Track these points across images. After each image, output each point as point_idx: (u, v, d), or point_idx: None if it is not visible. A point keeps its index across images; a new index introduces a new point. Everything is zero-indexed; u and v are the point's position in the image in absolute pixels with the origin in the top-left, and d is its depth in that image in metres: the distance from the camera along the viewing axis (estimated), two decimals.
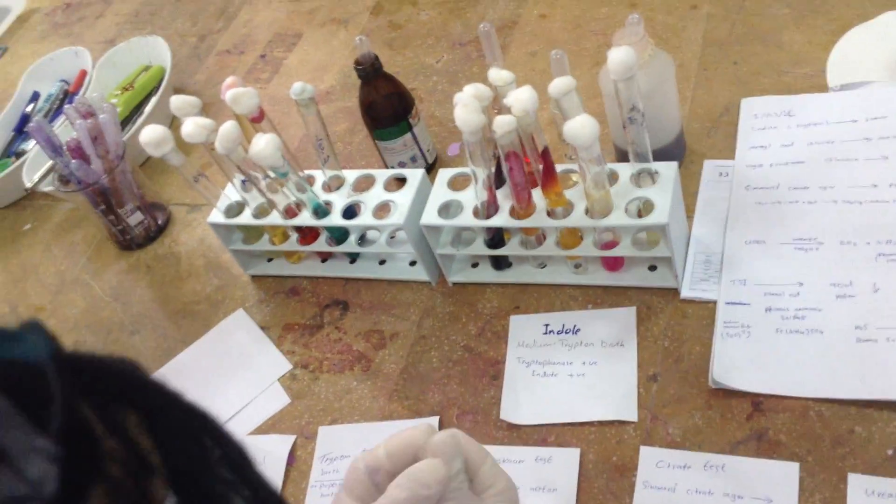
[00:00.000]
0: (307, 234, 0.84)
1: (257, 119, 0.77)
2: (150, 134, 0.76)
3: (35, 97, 1.24)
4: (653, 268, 0.74)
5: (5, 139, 1.20)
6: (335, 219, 0.79)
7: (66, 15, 1.48)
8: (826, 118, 0.78)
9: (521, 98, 0.64)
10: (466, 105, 0.65)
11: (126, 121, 1.14)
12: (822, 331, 0.65)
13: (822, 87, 0.82)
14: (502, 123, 0.65)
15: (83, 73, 1.24)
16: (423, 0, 1.15)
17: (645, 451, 0.64)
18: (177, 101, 0.78)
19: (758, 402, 0.64)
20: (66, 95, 1.24)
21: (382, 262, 0.85)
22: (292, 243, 0.84)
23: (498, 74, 0.69)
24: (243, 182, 0.82)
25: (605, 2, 1.02)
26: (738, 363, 0.65)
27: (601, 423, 0.67)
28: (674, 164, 0.70)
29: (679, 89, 0.86)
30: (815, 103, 0.80)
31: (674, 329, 0.70)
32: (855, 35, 0.85)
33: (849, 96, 0.79)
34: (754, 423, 0.63)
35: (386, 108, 0.85)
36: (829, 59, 0.84)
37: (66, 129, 1.03)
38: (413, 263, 0.83)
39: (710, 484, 0.61)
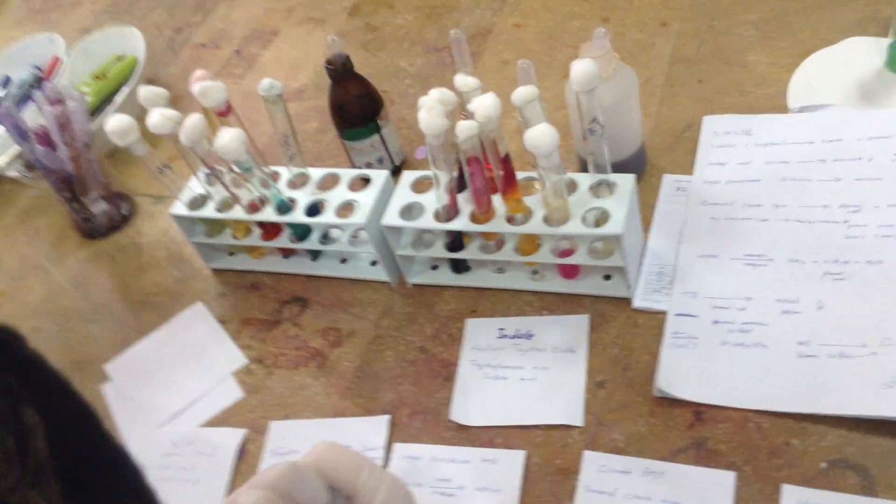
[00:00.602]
0: (270, 230, 0.84)
1: (224, 113, 0.78)
2: (116, 123, 0.76)
3: (6, 82, 1.24)
4: (607, 277, 0.75)
5: None
6: (298, 216, 0.79)
7: (44, 2, 1.47)
8: (784, 139, 0.80)
9: (483, 104, 0.65)
10: (431, 109, 0.66)
11: (97, 110, 1.13)
12: (766, 345, 0.66)
13: (783, 108, 0.84)
14: (464, 128, 0.66)
15: (56, 61, 1.23)
16: (400, 4, 1.16)
17: (588, 455, 0.65)
18: (145, 92, 0.78)
19: (699, 412, 0.65)
20: (39, 82, 1.23)
21: (344, 261, 0.85)
22: (254, 238, 0.85)
23: (464, 80, 0.70)
24: (207, 175, 0.82)
25: (579, 15, 1.04)
26: (682, 373, 0.67)
27: (548, 427, 0.68)
28: (631, 177, 0.72)
29: (644, 104, 0.88)
30: (774, 124, 0.82)
31: (624, 338, 0.71)
32: (817, 59, 0.87)
33: (807, 118, 0.81)
34: (695, 432, 0.64)
35: (355, 108, 0.86)
36: (791, 81, 0.86)
37: (34, 116, 1.03)
38: (374, 263, 0.83)
39: (650, 490, 0.62)
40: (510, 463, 0.66)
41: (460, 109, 0.71)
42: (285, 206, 0.80)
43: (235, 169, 0.77)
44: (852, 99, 0.81)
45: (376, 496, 0.46)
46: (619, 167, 0.76)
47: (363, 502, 0.46)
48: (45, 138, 0.94)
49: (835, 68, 0.85)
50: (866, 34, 0.87)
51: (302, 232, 0.83)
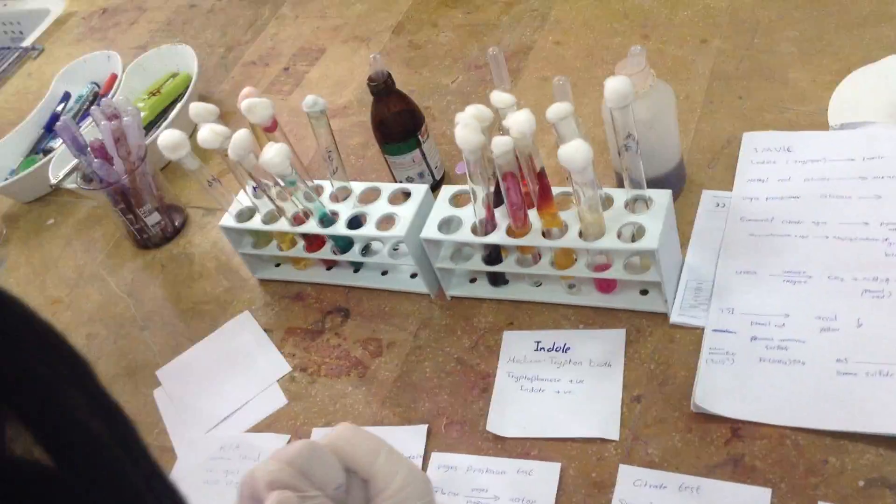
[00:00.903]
0: (313, 242, 0.86)
1: (270, 129, 0.80)
2: (168, 137, 0.80)
3: (66, 97, 1.29)
4: (644, 292, 0.76)
5: (35, 136, 1.25)
6: (340, 228, 0.82)
7: (102, 20, 1.53)
8: (824, 155, 0.80)
9: (518, 120, 0.67)
10: (467, 125, 0.68)
11: (151, 125, 1.18)
12: (804, 362, 0.66)
13: (823, 126, 0.83)
14: (500, 144, 0.67)
15: (113, 77, 1.29)
16: (443, 22, 1.18)
17: (624, 469, 0.65)
18: (195, 108, 0.81)
19: (736, 428, 0.65)
20: (97, 97, 1.28)
21: (384, 273, 0.87)
22: (299, 250, 0.87)
23: (499, 97, 0.72)
24: (255, 189, 0.85)
25: (619, 32, 1.05)
26: (720, 389, 0.67)
27: (583, 440, 0.69)
28: (667, 192, 0.72)
29: (684, 120, 0.88)
30: (814, 140, 0.82)
31: (661, 353, 0.72)
32: (858, 76, 0.86)
33: (848, 135, 0.81)
34: (731, 448, 0.64)
35: (396, 124, 0.88)
36: (832, 98, 0.85)
37: (93, 130, 1.07)
38: (414, 276, 0.85)
39: None
40: (545, 475, 0.67)
41: (497, 125, 0.73)
42: (328, 219, 0.82)
43: (280, 182, 0.79)
44: (893, 116, 0.81)
45: (393, 481, 0.45)
46: (656, 183, 0.77)
47: (379, 486, 0.45)
48: (101, 152, 0.98)
49: (876, 85, 0.84)
50: None
51: (344, 244, 0.85)
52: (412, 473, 0.46)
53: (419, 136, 0.89)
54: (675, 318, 0.73)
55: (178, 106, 1.14)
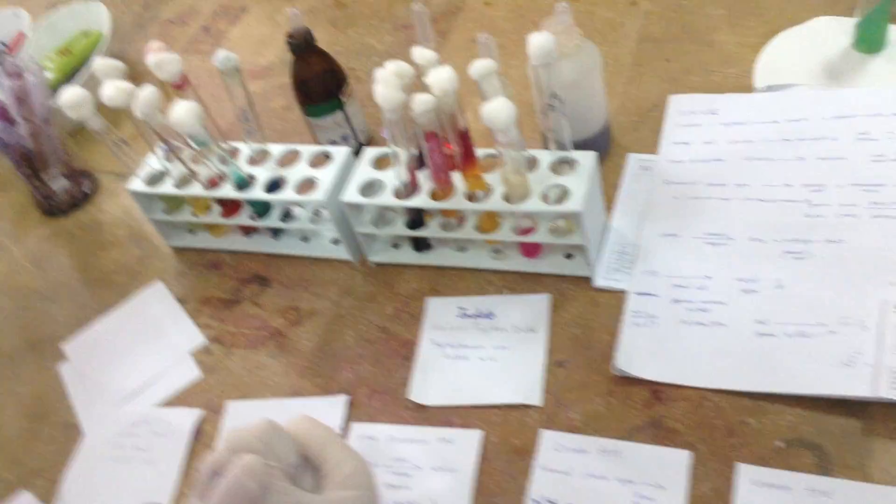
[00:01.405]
0: (229, 207, 0.83)
1: (180, 86, 0.76)
2: (69, 95, 0.74)
3: None
4: (569, 256, 0.75)
5: None
6: (257, 192, 0.78)
7: None
8: (749, 118, 0.80)
9: (440, 78, 0.64)
10: (387, 82, 0.65)
11: (61, 86, 1.11)
12: (725, 324, 0.66)
13: (749, 88, 0.83)
14: (421, 102, 0.64)
15: (21, 36, 1.21)
16: None
17: (545, 434, 0.64)
18: (100, 64, 0.76)
19: (657, 391, 0.64)
20: (2, 57, 1.20)
21: (305, 240, 0.84)
22: (214, 216, 0.83)
23: (421, 53, 0.69)
24: (166, 151, 0.80)
25: None
26: (641, 352, 0.66)
27: (506, 407, 0.67)
28: (592, 154, 0.71)
29: (611, 83, 0.87)
30: (739, 103, 0.81)
31: (585, 317, 0.71)
32: (784, 38, 0.86)
33: (772, 98, 0.80)
34: (652, 411, 0.64)
35: (317, 84, 0.84)
36: (758, 60, 0.85)
37: None
38: (336, 242, 0.82)
39: (605, 469, 0.61)
40: (467, 442, 0.66)
41: (418, 83, 0.70)
42: (244, 183, 0.79)
43: (192, 144, 0.75)
44: (819, 79, 0.81)
45: (342, 468, 0.49)
46: (583, 145, 0.75)
47: (328, 471, 0.49)
48: (2, 113, 0.92)
49: (802, 48, 0.84)
50: (833, 14, 0.86)
51: (262, 209, 0.82)
52: (360, 463, 0.50)
53: (341, 97, 0.85)
54: (599, 281, 0.72)
55: (88, 65, 1.08)
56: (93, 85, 0.79)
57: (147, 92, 0.71)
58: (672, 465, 0.60)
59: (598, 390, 0.66)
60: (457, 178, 0.72)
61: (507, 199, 0.70)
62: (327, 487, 0.49)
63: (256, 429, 0.49)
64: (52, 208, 0.97)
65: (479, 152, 0.72)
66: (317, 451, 0.50)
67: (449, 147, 0.70)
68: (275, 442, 0.49)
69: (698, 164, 0.77)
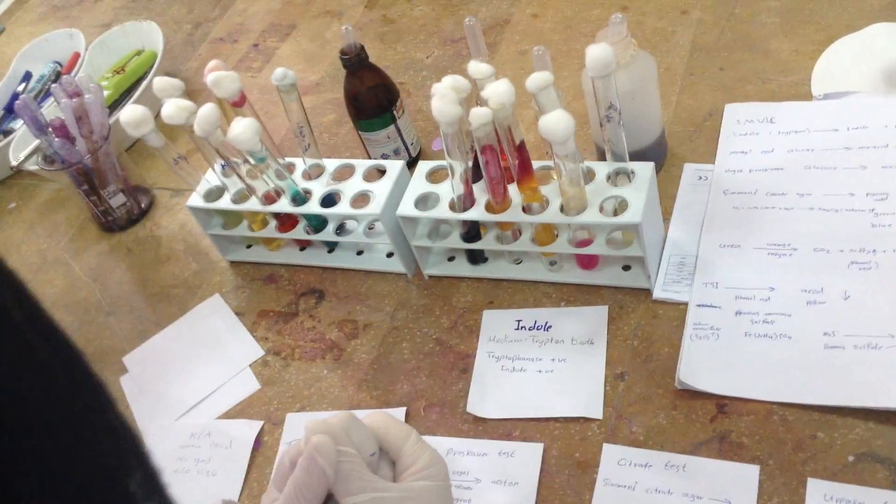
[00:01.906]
0: (286, 222, 0.84)
1: (238, 103, 0.77)
2: (130, 114, 0.76)
3: (27, 77, 1.25)
4: (627, 267, 0.74)
5: None
6: (313, 206, 0.79)
7: None
8: (808, 126, 0.78)
9: (497, 91, 0.64)
10: (444, 96, 0.65)
11: (116, 104, 1.14)
12: (791, 336, 0.65)
13: (806, 96, 0.82)
14: (478, 116, 0.64)
15: (76, 56, 1.24)
16: None
17: (608, 448, 0.64)
18: (160, 83, 0.78)
19: (722, 405, 0.63)
20: (58, 77, 1.24)
21: (360, 253, 0.85)
22: (271, 230, 0.84)
23: (477, 67, 0.69)
24: (223, 167, 0.82)
25: (597, 4, 1.02)
26: (705, 365, 0.65)
27: (566, 420, 0.67)
28: (650, 165, 0.70)
29: (664, 93, 0.86)
30: (797, 111, 0.80)
31: (644, 329, 0.70)
32: (841, 45, 0.85)
33: (831, 105, 0.79)
34: (718, 425, 0.63)
35: (370, 98, 0.85)
36: (815, 68, 0.84)
37: (55, 111, 1.03)
38: (390, 255, 0.83)
39: (671, 483, 0.60)
40: (528, 456, 0.65)
41: (474, 97, 0.70)
42: (300, 198, 0.79)
43: (250, 160, 0.76)
44: (877, 85, 0.79)
45: (419, 460, 0.51)
46: (638, 156, 0.75)
47: (406, 464, 0.51)
48: (62, 131, 0.94)
49: (859, 55, 0.83)
50: (891, 20, 0.85)
51: (317, 223, 0.83)
52: (436, 457, 0.52)
53: (394, 112, 0.86)
54: (658, 293, 0.71)
55: (143, 84, 1.10)
56: (147, 102, 0.81)
57: (207, 110, 0.73)
58: (740, 480, 0.59)
59: (661, 404, 0.65)
60: (513, 190, 0.72)
61: (564, 210, 0.70)
62: (404, 479, 0.50)
63: (336, 418, 0.50)
64: (110, 224, 0.99)
65: (535, 164, 0.72)
66: (394, 444, 0.51)
67: (504, 158, 0.70)
68: (354, 431, 0.50)
69: (757, 173, 0.76)
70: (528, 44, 1.01)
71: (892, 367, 0.60)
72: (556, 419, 0.67)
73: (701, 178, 0.79)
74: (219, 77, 0.75)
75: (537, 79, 0.65)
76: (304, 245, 0.87)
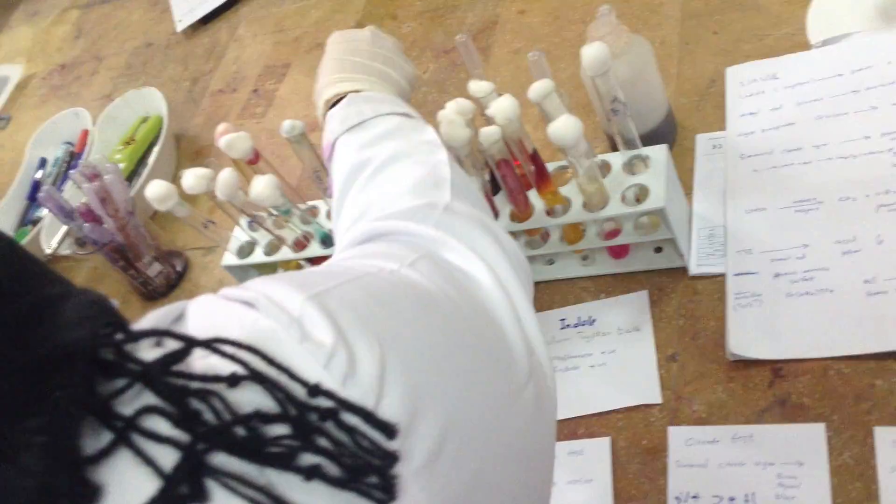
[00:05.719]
0: (319, 264, 0.85)
1: (253, 161, 0.79)
2: (155, 190, 0.78)
3: (42, 163, 1.28)
4: (658, 249, 0.75)
5: (21, 209, 1.24)
6: None
7: (62, 76, 1.51)
8: (811, 76, 0.78)
9: (502, 107, 0.65)
10: (451, 122, 0.67)
11: (132, 174, 1.17)
12: (832, 289, 0.65)
13: (805, 46, 0.82)
14: (488, 135, 0.66)
15: (85, 133, 1.27)
16: (402, 13, 1.16)
17: (673, 430, 0.65)
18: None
19: (777, 369, 0.64)
20: (72, 157, 1.27)
21: None
22: None
23: (478, 86, 0.70)
24: (250, 223, 0.84)
25: None
26: (752, 333, 0.66)
27: (627, 409, 0.68)
28: (663, 147, 0.71)
29: (663, 67, 0.87)
30: (799, 63, 0.80)
31: (687, 307, 0.71)
32: None
33: (831, 51, 0.79)
34: (776, 390, 0.64)
35: None
36: (808, 15, 0.83)
37: (76, 191, 1.06)
38: None
39: (741, 455, 0.62)
40: (597, 451, 0.67)
41: (480, 114, 0.72)
42: (329, 239, 0.81)
43: (275, 213, 0.78)
44: (874, 22, 0.79)
45: None
46: (649, 138, 0.75)
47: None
48: (89, 215, 0.97)
49: None
50: None
51: None
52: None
53: None
54: (694, 269, 0.72)
55: (156, 150, 1.13)
56: (163, 168, 0.83)
57: (225, 175, 0.75)
58: (807, 440, 0.60)
59: (717, 378, 0.66)
60: (533, 196, 0.74)
61: (587, 207, 0.71)
62: None
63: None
64: (151, 292, 1.02)
65: (550, 166, 0.73)
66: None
67: (518, 164, 0.71)
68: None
69: (770, 132, 0.77)
70: (520, 42, 1.02)
71: None
72: (617, 410, 0.68)
73: (715, 146, 0.79)
74: (231, 140, 0.77)
75: (539, 88, 0.66)
76: None
